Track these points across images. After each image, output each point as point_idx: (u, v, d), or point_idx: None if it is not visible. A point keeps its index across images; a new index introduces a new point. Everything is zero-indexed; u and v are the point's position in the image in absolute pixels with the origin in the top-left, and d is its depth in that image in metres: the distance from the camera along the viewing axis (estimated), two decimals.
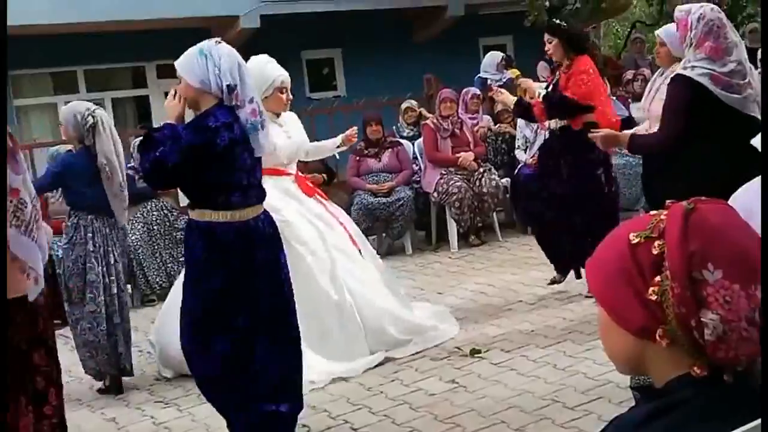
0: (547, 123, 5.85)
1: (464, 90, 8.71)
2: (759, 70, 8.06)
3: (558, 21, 5.98)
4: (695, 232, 1.21)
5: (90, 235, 4.88)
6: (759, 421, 1.16)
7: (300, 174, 5.33)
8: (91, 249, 4.86)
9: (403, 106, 9.07)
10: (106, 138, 4.85)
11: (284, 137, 5.03)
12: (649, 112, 4.93)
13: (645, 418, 1.23)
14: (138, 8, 11.01)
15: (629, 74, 9.79)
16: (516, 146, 8.45)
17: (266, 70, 4.91)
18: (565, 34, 5.66)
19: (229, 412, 3.79)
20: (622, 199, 8.04)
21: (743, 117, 3.85)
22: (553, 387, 4.19)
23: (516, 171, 8.28)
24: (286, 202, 5.02)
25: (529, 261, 6.87)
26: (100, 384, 5.10)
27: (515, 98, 5.80)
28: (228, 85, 3.51)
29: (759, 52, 8.34)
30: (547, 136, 5.96)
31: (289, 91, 5.02)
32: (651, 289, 1.22)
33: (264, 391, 3.72)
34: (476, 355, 4.82)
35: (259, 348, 3.71)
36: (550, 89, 5.72)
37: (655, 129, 4.42)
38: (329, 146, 5.61)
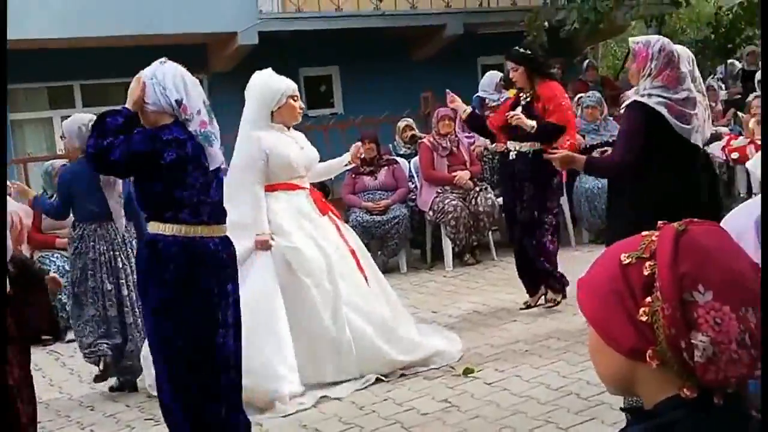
0: (513, 144, 5.90)
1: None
2: (757, 92, 8.10)
3: (520, 49, 6.01)
4: (686, 253, 1.21)
5: (92, 243, 5.09)
6: None
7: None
8: (94, 257, 5.08)
9: (401, 124, 9.08)
10: None
11: (297, 148, 5.02)
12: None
13: None
14: (136, 24, 11.03)
15: (627, 95, 9.80)
16: None
17: (273, 81, 4.99)
18: (530, 63, 5.83)
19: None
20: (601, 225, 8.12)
21: (690, 145, 4.09)
22: (546, 407, 4.17)
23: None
24: (297, 224, 4.96)
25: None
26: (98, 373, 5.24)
27: (532, 122, 5.72)
28: (176, 100, 3.56)
29: (757, 74, 8.36)
30: (513, 157, 5.91)
31: (300, 99, 5.06)
32: (642, 309, 1.22)
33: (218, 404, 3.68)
34: (469, 375, 4.80)
35: (200, 378, 3.61)
36: (516, 113, 5.77)
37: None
38: (337, 165, 5.50)
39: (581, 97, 8.75)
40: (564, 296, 5.96)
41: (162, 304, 3.53)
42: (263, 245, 4.82)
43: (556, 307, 5.95)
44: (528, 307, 6.08)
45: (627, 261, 1.25)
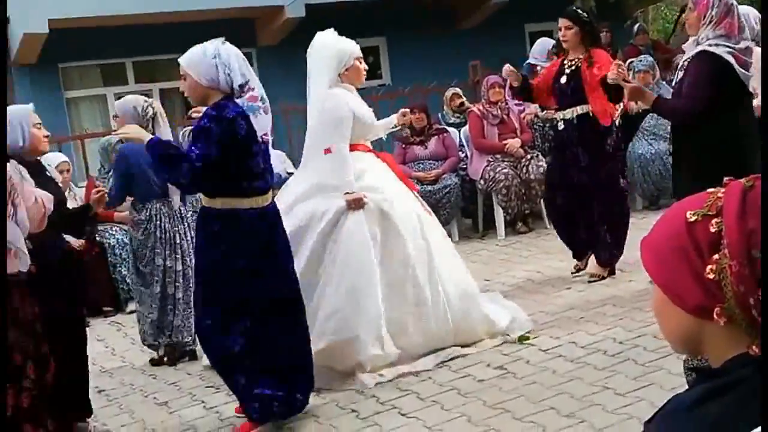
0: (559, 113, 5.84)
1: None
2: None
3: (578, 9, 5.87)
4: (754, 209, 1.19)
5: (158, 222, 5.26)
6: None
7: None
8: (161, 236, 5.25)
9: (448, 93, 9.04)
10: (164, 126, 5.20)
11: (367, 108, 4.97)
12: None
13: (701, 398, 1.21)
14: (185, 0, 11.10)
15: (679, 58, 9.62)
16: None
17: (341, 42, 4.89)
18: (585, 24, 5.69)
19: (246, 393, 3.94)
20: (654, 192, 8.00)
21: (748, 92, 4.36)
22: (603, 373, 4.16)
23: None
24: (384, 179, 4.83)
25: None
26: (155, 357, 5.45)
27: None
28: (240, 85, 3.82)
29: None
30: (562, 126, 5.85)
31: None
32: (709, 267, 1.20)
33: (280, 372, 3.94)
34: (525, 342, 4.80)
35: (275, 329, 3.92)
36: (564, 79, 5.70)
37: None
38: (383, 127, 5.39)
39: (632, 61, 8.60)
40: (612, 272, 5.91)
41: (253, 267, 3.84)
42: (357, 204, 4.59)
43: (612, 275, 5.91)
44: (578, 270, 6.03)
45: (693, 219, 1.23)
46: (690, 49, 4.54)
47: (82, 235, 5.89)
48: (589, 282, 5.84)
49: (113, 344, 6.09)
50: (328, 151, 4.68)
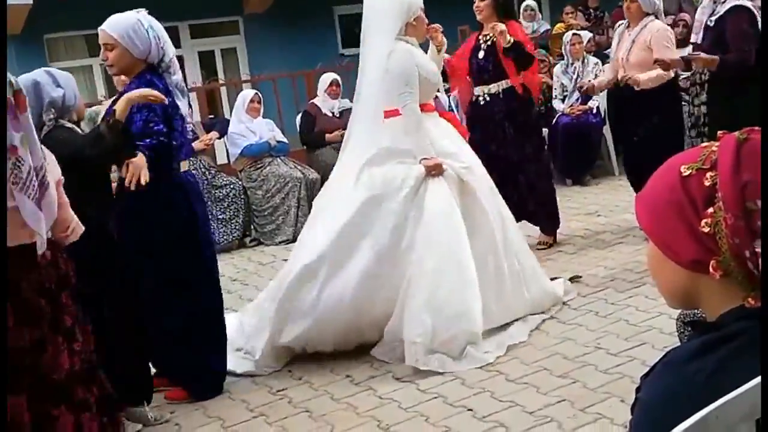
0: (482, 88, 5.74)
1: None
2: None
3: None
4: (748, 161, 1.19)
5: None
6: None
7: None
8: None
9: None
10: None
11: (434, 65, 4.59)
12: (626, 62, 5.52)
13: (697, 351, 1.22)
14: None
15: (669, 20, 9.58)
16: (553, 96, 8.38)
17: None
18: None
19: (187, 369, 3.99)
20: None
21: None
22: (595, 334, 4.18)
23: (554, 121, 8.21)
24: (459, 144, 4.49)
25: (569, 212, 6.82)
26: None
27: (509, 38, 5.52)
28: (171, 57, 3.82)
29: None
30: (484, 101, 5.75)
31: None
32: (703, 221, 1.20)
33: (222, 345, 4.08)
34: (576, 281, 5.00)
35: (216, 301, 4.06)
36: (482, 54, 5.65)
37: (619, 74, 5.53)
38: None
39: (621, 23, 8.55)
40: (555, 240, 5.94)
41: (174, 238, 3.86)
42: (437, 169, 4.22)
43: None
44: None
45: (687, 173, 1.23)
46: (709, 7, 4.88)
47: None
48: (538, 249, 5.70)
49: None
50: (393, 113, 4.29)
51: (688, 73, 6.95)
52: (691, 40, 5.67)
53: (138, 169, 3.52)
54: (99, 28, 3.82)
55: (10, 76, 2.70)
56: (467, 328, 4.03)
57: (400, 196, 4.15)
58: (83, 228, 3.14)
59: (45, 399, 2.82)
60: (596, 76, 7.41)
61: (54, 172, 3.00)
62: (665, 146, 5.31)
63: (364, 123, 4.39)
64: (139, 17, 3.79)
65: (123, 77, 4.13)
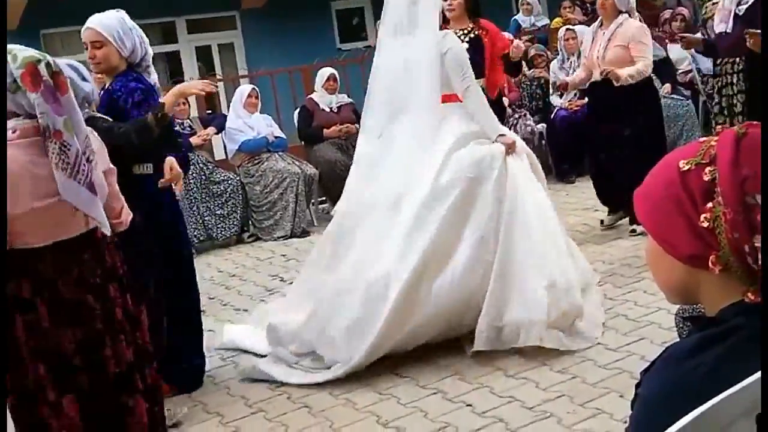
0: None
1: None
2: None
3: None
4: (747, 156, 1.19)
5: None
6: None
7: None
8: None
9: None
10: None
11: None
12: (602, 59, 5.54)
13: (697, 347, 1.21)
14: None
15: (667, 13, 9.60)
16: (551, 91, 8.38)
17: None
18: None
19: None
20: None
21: None
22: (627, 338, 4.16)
23: (552, 116, 8.21)
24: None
25: (566, 207, 6.82)
26: None
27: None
28: (150, 57, 3.86)
29: None
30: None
31: None
32: (703, 216, 1.20)
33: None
34: None
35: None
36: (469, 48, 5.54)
37: (594, 76, 5.54)
38: None
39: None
40: None
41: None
42: (514, 147, 4.27)
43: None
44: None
45: (686, 167, 1.22)
46: None
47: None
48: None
49: None
50: (450, 98, 4.30)
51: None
52: (719, 30, 5.71)
53: (179, 176, 3.75)
54: (86, 26, 3.81)
55: (47, 57, 2.61)
56: (573, 302, 4.03)
57: (494, 177, 4.13)
58: (131, 215, 3.04)
59: (113, 391, 2.78)
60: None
61: (103, 160, 2.90)
62: (650, 146, 5.44)
63: (415, 112, 4.30)
64: (120, 15, 3.82)
65: (99, 76, 4.16)
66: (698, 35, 8.09)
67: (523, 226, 4.08)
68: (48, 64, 2.58)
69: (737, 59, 5.80)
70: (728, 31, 5.44)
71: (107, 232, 2.74)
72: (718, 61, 5.88)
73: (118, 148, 3.37)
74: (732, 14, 5.38)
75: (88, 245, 2.75)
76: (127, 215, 3.02)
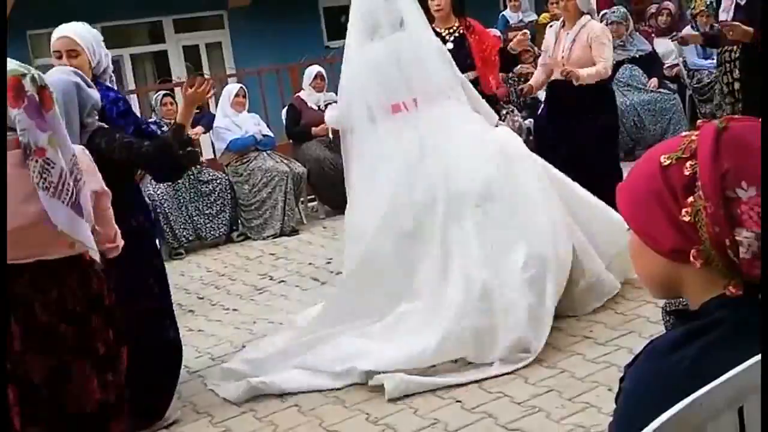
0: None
1: None
2: None
3: None
4: (728, 150, 1.19)
5: None
6: None
7: None
8: None
9: None
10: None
11: None
12: (567, 60, 5.60)
13: (680, 340, 1.22)
14: None
15: (653, 8, 9.63)
16: None
17: None
18: None
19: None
20: (648, 135, 8.01)
21: None
22: (583, 323, 4.19)
23: (539, 111, 8.22)
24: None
25: None
26: None
27: None
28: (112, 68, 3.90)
29: None
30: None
31: None
32: (684, 210, 1.20)
33: None
34: None
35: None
36: (451, 46, 5.51)
37: (557, 75, 5.62)
38: None
39: (605, 13, 8.58)
40: None
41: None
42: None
43: None
44: None
45: (667, 162, 1.23)
46: None
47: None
48: None
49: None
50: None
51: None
52: (721, 19, 5.93)
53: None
54: (61, 34, 3.77)
55: (33, 71, 2.48)
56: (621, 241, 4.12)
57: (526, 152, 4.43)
58: (122, 242, 2.93)
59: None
60: None
61: (96, 180, 2.78)
62: (608, 147, 5.75)
63: (438, 98, 4.38)
64: (87, 26, 3.86)
65: None
66: (687, 28, 8.15)
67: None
68: (33, 78, 2.46)
69: (734, 48, 5.90)
70: (729, 20, 5.64)
71: (95, 256, 2.61)
72: (718, 51, 6.04)
73: (127, 162, 3.42)
74: (734, 3, 5.62)
75: (74, 269, 2.59)
76: (121, 241, 2.92)
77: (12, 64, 2.50)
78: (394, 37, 4.35)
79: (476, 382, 3.70)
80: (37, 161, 2.42)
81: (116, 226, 2.90)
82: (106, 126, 3.56)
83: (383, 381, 3.69)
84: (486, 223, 4.06)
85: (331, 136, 7.58)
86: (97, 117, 3.54)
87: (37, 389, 2.52)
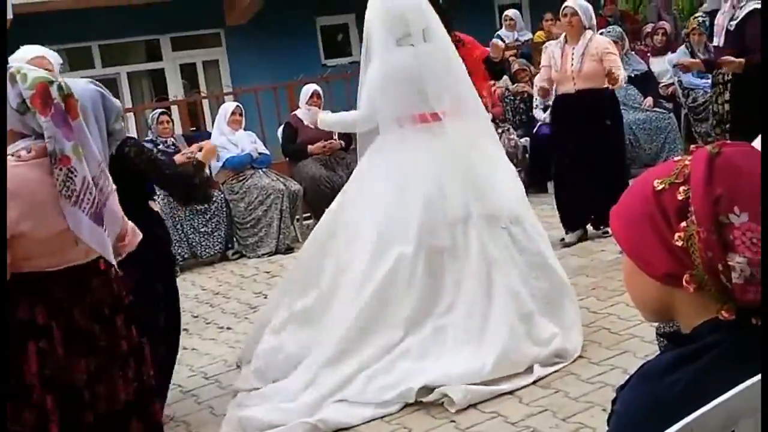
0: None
1: None
2: None
3: None
4: (720, 175, 1.20)
5: None
6: None
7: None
8: None
9: None
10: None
11: None
12: (579, 73, 5.79)
13: (672, 364, 1.22)
14: None
15: (649, 27, 9.69)
16: (534, 105, 8.41)
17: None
18: (443, 13, 5.50)
19: None
20: (643, 154, 8.03)
21: None
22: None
23: (534, 130, 8.25)
24: None
25: (550, 221, 6.83)
26: None
27: None
28: None
29: None
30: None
31: None
32: (677, 234, 1.21)
33: None
34: None
35: None
36: None
37: (567, 88, 5.86)
38: None
39: (602, 32, 8.61)
40: None
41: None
42: None
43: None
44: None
45: (660, 187, 1.24)
46: (729, 12, 5.55)
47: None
48: None
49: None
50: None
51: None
52: (714, 44, 6.22)
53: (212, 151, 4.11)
54: (36, 54, 3.78)
55: (59, 79, 2.48)
56: None
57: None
58: (141, 235, 2.88)
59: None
60: None
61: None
62: (614, 160, 5.84)
63: (465, 114, 4.38)
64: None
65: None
66: (681, 49, 8.20)
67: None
68: (60, 87, 2.46)
69: (726, 72, 5.99)
70: (720, 45, 5.84)
71: (112, 261, 2.62)
72: (714, 73, 6.20)
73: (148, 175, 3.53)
74: (724, 30, 5.75)
75: (96, 273, 2.62)
76: (135, 236, 2.86)
77: (39, 72, 2.49)
78: (425, 49, 4.28)
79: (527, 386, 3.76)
80: (61, 169, 2.44)
81: (128, 221, 2.85)
82: (134, 137, 3.62)
83: (448, 393, 3.70)
84: (513, 244, 4.15)
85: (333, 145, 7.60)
86: (123, 123, 3.54)
87: (80, 393, 2.55)
